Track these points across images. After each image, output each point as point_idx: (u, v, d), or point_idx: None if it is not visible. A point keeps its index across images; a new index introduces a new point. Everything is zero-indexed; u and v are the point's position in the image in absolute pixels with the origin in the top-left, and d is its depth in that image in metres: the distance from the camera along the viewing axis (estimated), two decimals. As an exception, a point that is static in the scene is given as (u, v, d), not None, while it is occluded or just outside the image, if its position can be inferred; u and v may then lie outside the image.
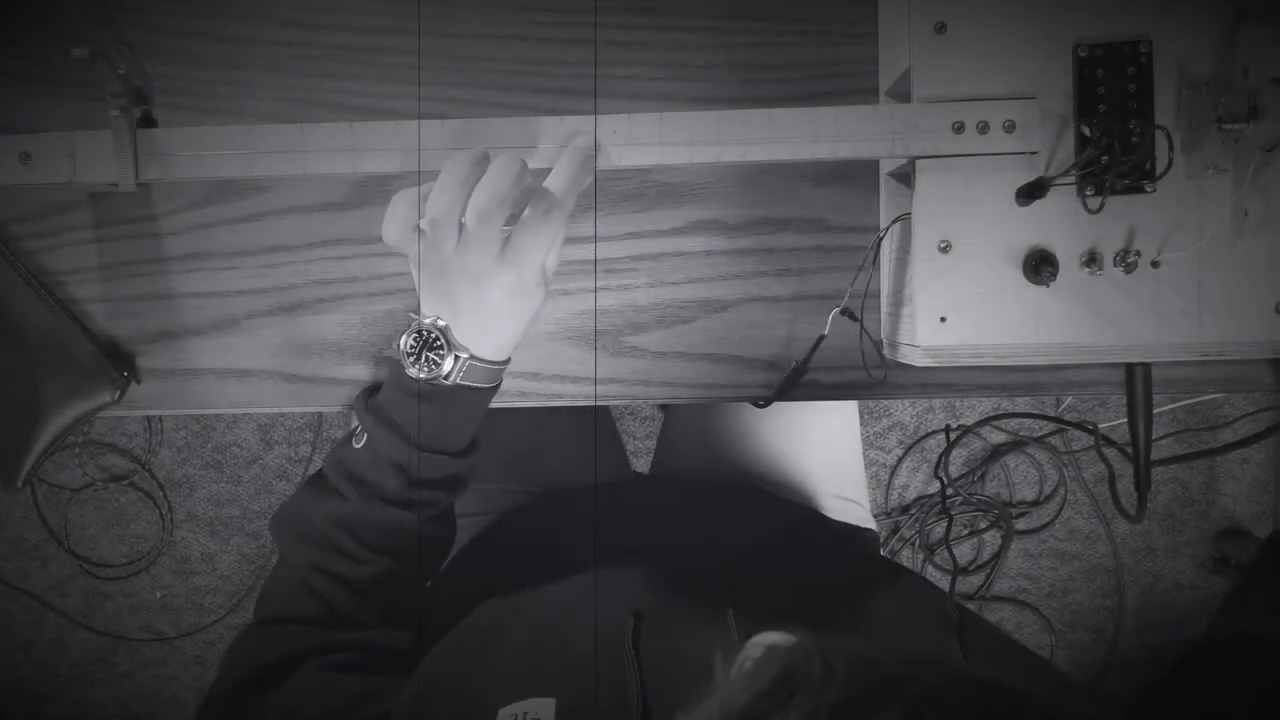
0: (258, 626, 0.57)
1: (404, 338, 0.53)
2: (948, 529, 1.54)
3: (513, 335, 0.53)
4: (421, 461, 0.54)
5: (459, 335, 0.52)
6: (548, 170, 0.50)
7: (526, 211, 0.49)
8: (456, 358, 0.52)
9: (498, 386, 0.57)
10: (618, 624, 0.49)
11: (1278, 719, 0.41)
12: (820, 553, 0.75)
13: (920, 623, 0.53)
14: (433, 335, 0.52)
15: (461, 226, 0.48)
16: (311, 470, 1.55)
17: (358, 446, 0.56)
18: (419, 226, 0.49)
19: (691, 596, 0.54)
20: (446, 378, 0.52)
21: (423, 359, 0.52)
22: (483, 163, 0.48)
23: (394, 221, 0.49)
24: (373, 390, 0.58)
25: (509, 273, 0.49)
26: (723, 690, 0.30)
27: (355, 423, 0.58)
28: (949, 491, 1.54)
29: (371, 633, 0.56)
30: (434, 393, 0.53)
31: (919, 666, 0.31)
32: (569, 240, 0.60)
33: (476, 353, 0.52)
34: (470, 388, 0.54)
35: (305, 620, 0.56)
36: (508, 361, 0.55)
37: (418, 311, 0.53)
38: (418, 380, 0.53)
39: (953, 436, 1.54)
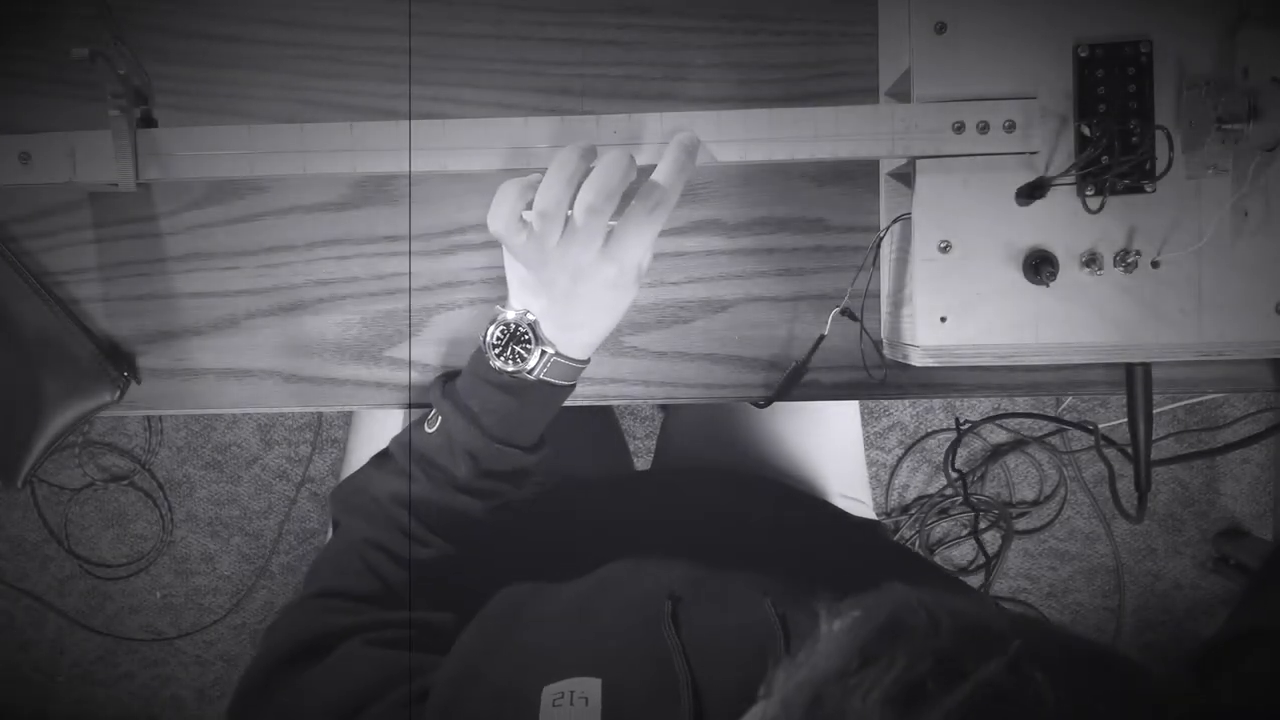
0: (308, 599, 0.57)
1: (491, 329, 0.53)
2: (975, 519, 1.53)
3: (603, 331, 0.54)
4: (495, 453, 0.55)
5: (547, 330, 0.52)
6: (651, 166, 0.50)
7: (633, 205, 0.49)
8: (543, 353, 0.53)
9: (573, 387, 0.57)
10: (655, 606, 0.49)
11: None
12: (842, 538, 0.75)
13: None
14: (521, 329, 0.52)
15: (568, 220, 0.48)
16: (312, 470, 1.55)
17: (430, 431, 0.56)
18: (523, 218, 0.49)
19: (723, 580, 0.54)
20: (531, 372, 0.53)
21: (509, 351, 0.53)
22: (589, 157, 0.48)
23: (500, 212, 0.49)
24: (450, 376, 0.58)
25: (611, 267, 0.50)
26: (827, 640, 0.31)
27: (432, 407, 0.58)
28: (949, 491, 1.54)
29: (421, 613, 0.56)
30: (515, 386, 0.54)
31: (1023, 624, 0.31)
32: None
33: (562, 349, 0.53)
34: (550, 384, 0.54)
35: (357, 596, 0.56)
36: (588, 362, 0.56)
37: (504, 304, 0.54)
38: (501, 372, 0.53)
39: (940, 441, 1.53)
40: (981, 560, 1.56)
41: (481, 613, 0.54)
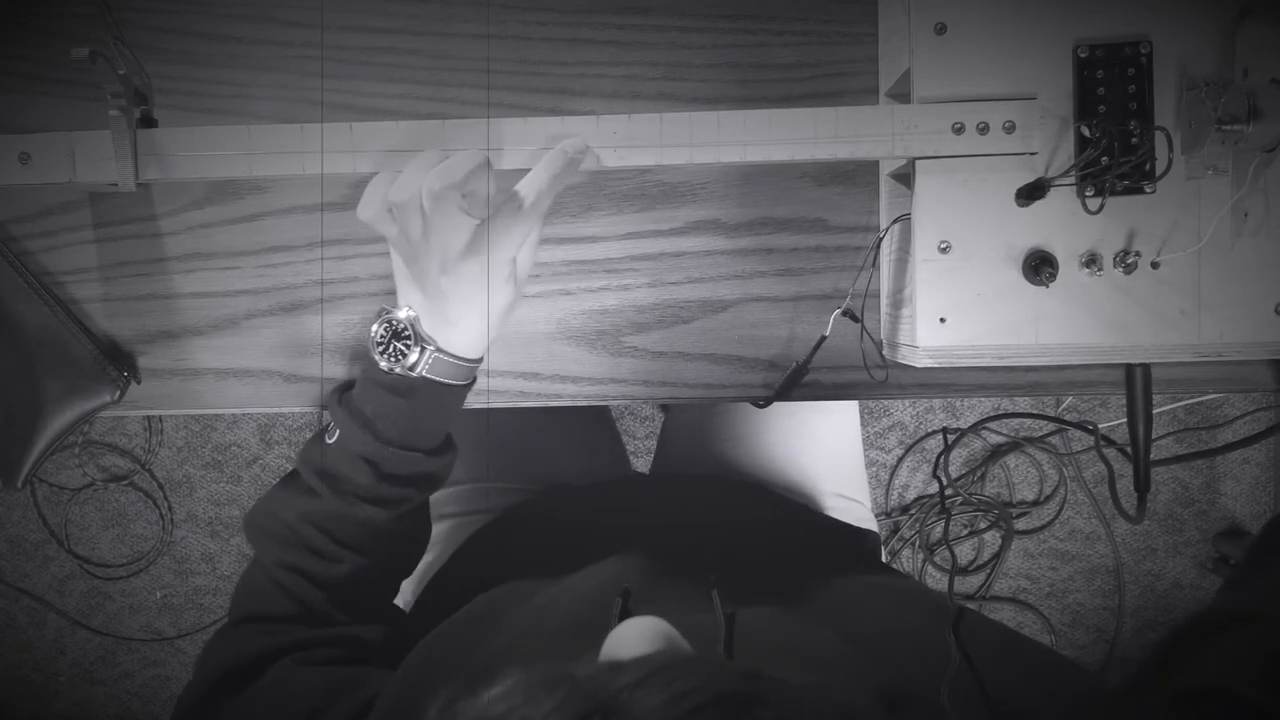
0: (231, 628, 0.57)
1: (375, 327, 0.53)
2: (946, 525, 1.54)
3: (479, 330, 0.53)
4: (393, 458, 0.55)
5: (428, 327, 0.52)
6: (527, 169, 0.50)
7: (502, 204, 0.49)
8: (423, 349, 0.52)
9: (470, 385, 0.57)
10: (605, 602, 0.49)
11: (1277, 695, 0.41)
12: (814, 543, 0.75)
13: (908, 614, 0.53)
14: (401, 326, 0.52)
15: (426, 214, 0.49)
16: (311, 470, 1.55)
17: (330, 442, 0.56)
18: (391, 210, 0.50)
19: (679, 575, 0.54)
20: (413, 369, 0.53)
21: (391, 349, 0.53)
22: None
23: (369, 203, 0.50)
24: (347, 386, 0.58)
25: (474, 262, 0.50)
26: None
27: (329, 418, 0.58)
28: (949, 491, 1.54)
29: (345, 629, 0.56)
30: (405, 387, 0.53)
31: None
32: (571, 240, 0.60)
33: (444, 346, 0.53)
34: (440, 384, 0.54)
35: (278, 619, 0.56)
36: (479, 360, 0.55)
37: (394, 303, 0.54)
38: (389, 373, 0.53)
39: (950, 439, 1.54)
40: (981, 561, 1.56)
41: (444, 623, 0.54)
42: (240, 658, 0.53)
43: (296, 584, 0.56)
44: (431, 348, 0.52)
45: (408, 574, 0.63)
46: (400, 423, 0.54)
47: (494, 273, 0.50)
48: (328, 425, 0.57)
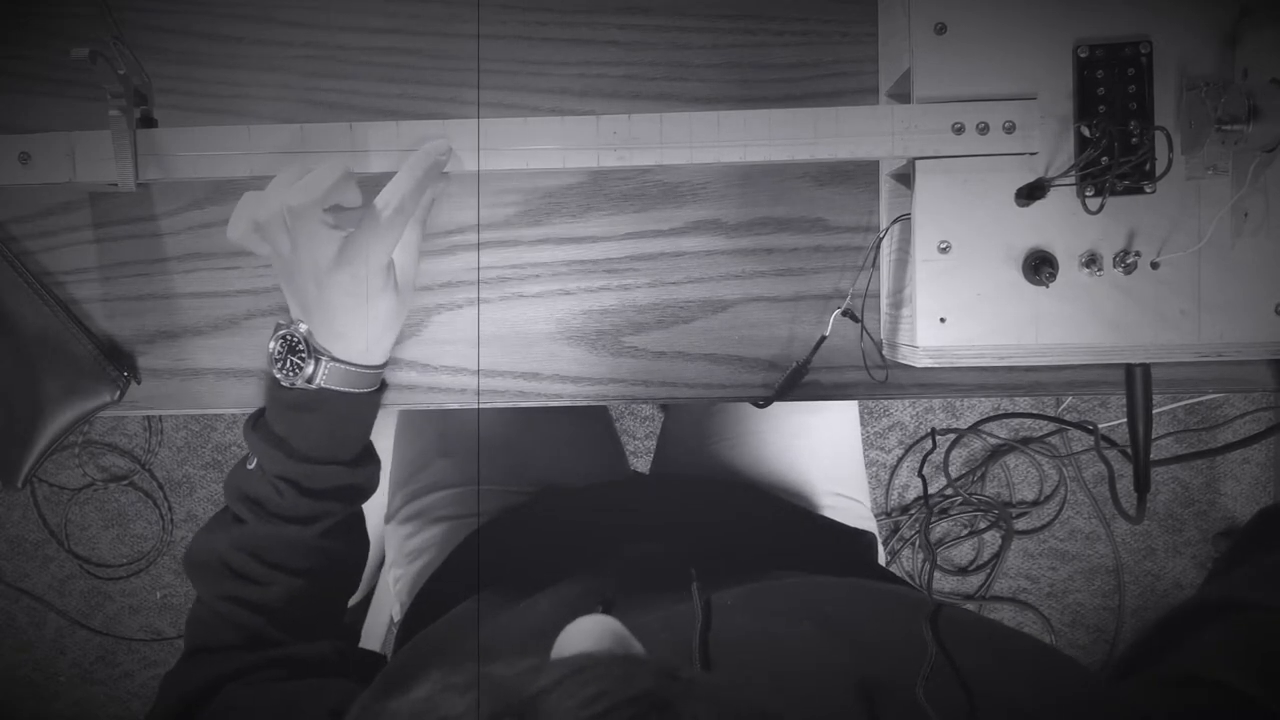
0: (181, 662, 0.57)
1: (270, 344, 0.53)
2: (925, 524, 1.54)
3: (368, 339, 0.53)
4: (310, 473, 0.55)
5: (321, 339, 0.53)
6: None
7: (366, 214, 0.49)
8: (318, 360, 0.53)
9: (379, 391, 0.57)
10: (588, 608, 0.49)
11: (1263, 682, 0.41)
12: (810, 542, 0.75)
13: (895, 612, 0.52)
14: (296, 340, 0.53)
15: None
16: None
17: (250, 467, 0.56)
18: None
19: (662, 576, 0.54)
20: (311, 381, 0.53)
21: (287, 363, 0.53)
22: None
23: (237, 222, 0.50)
24: (261, 413, 0.59)
25: (344, 273, 0.50)
26: None
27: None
28: (948, 491, 1.54)
29: (288, 649, 0.56)
30: (310, 401, 0.54)
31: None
32: (571, 240, 0.60)
33: (340, 355, 0.53)
34: (345, 394, 0.54)
35: (226, 647, 0.56)
36: (381, 366, 0.55)
37: (287, 317, 0.54)
38: (292, 389, 0.53)
39: (939, 441, 1.54)
40: (981, 561, 1.56)
41: (430, 626, 0.54)
42: (194, 686, 0.54)
43: (235, 612, 0.56)
44: (326, 358, 0.53)
45: (351, 591, 0.63)
46: (312, 438, 0.55)
47: (360, 281, 0.50)
48: (247, 454, 0.57)
